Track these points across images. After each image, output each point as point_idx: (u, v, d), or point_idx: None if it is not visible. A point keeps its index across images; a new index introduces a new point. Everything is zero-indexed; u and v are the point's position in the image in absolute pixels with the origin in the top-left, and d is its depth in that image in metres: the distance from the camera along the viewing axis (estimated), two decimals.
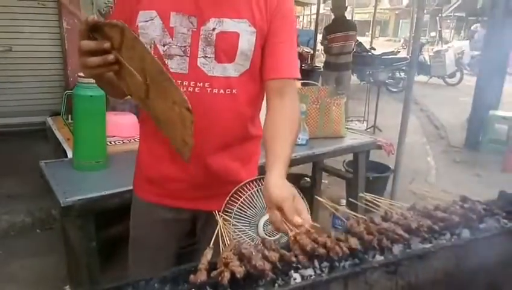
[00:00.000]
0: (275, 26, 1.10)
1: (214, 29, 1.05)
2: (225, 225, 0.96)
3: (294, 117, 1.10)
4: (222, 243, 0.85)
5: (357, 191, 2.66)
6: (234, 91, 1.10)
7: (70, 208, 1.53)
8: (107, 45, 0.87)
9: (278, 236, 1.00)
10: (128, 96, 1.06)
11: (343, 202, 2.12)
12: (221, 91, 1.08)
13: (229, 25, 1.06)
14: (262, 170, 1.22)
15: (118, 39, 0.86)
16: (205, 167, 1.14)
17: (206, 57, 1.06)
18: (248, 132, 1.19)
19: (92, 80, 1.71)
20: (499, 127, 5.45)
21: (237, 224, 1.02)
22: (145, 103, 0.97)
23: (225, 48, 1.07)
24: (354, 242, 0.78)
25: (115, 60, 0.89)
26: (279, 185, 0.93)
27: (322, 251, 0.75)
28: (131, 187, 1.63)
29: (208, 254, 0.75)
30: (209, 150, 1.12)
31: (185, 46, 1.06)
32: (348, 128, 2.89)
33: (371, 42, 11.12)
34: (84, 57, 0.89)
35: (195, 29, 1.05)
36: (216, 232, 0.88)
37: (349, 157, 3.20)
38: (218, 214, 0.98)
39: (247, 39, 1.07)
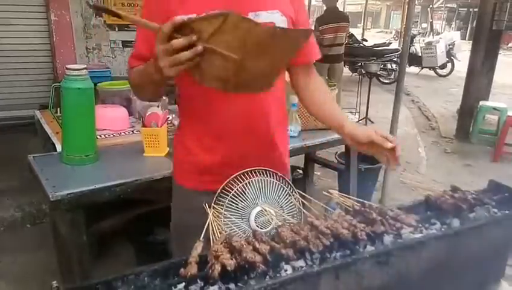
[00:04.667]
0: (300, 16, 1.20)
1: None
2: (216, 217, 0.95)
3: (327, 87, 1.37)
4: (213, 235, 0.84)
5: (349, 183, 2.66)
6: None
7: (59, 203, 1.51)
8: (195, 37, 0.89)
9: (269, 228, 0.99)
10: None
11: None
12: None
13: (264, 16, 1.09)
14: None
15: (210, 30, 0.88)
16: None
17: None
18: (284, 115, 1.30)
19: (81, 72, 1.71)
20: (489, 118, 5.50)
21: (229, 216, 1.02)
22: (228, 83, 0.97)
23: None
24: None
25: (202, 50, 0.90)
26: (358, 127, 1.13)
27: (303, 243, 0.75)
28: (121, 181, 1.65)
29: (198, 247, 0.75)
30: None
31: None
32: None
33: (363, 34, 11.12)
34: (175, 55, 0.90)
35: None
36: (207, 225, 0.87)
37: (341, 148, 3.21)
38: (209, 207, 0.97)
39: None
